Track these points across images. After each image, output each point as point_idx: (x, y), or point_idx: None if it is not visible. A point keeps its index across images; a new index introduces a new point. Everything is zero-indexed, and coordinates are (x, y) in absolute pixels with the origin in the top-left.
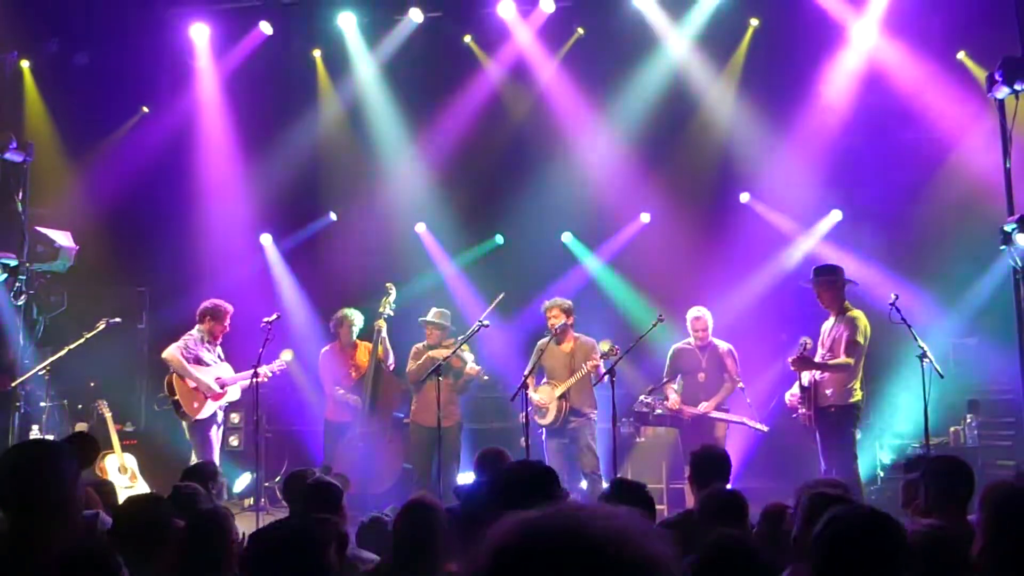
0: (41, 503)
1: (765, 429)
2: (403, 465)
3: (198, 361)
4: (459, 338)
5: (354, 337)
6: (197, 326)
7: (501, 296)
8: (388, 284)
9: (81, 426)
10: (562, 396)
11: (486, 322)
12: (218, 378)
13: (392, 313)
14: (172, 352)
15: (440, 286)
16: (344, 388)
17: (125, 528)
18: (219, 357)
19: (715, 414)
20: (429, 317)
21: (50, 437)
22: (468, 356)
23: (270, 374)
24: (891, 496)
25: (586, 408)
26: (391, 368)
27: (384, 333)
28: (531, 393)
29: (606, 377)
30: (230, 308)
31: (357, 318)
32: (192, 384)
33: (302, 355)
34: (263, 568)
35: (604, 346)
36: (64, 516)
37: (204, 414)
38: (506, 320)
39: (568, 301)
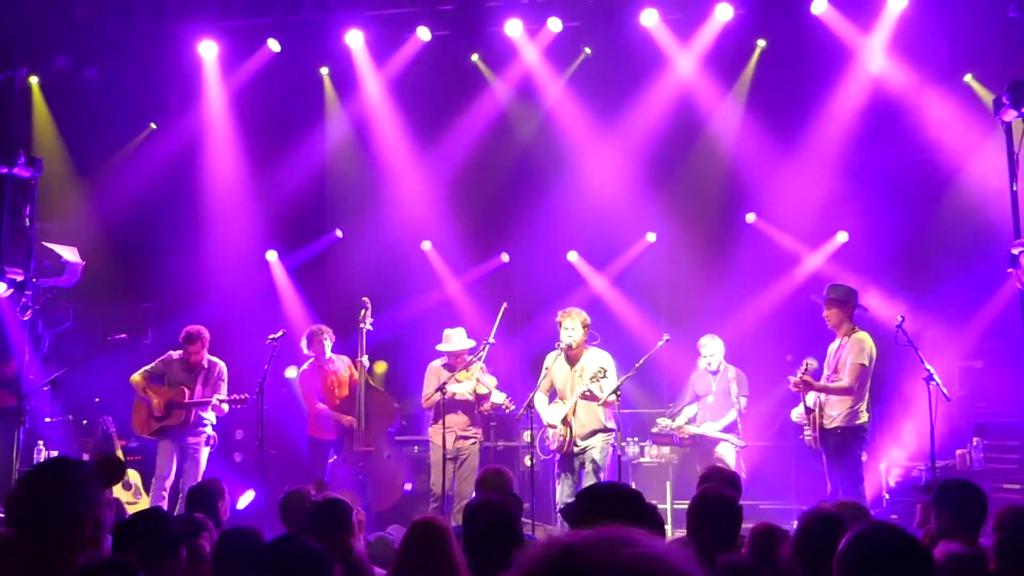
0: (55, 523)
1: (742, 444)
2: (405, 485)
3: (161, 379)
4: (472, 360)
5: (328, 352)
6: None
7: (504, 307)
8: (364, 298)
9: (85, 443)
10: (564, 419)
11: (492, 340)
12: (171, 400)
13: (371, 327)
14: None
15: (446, 304)
16: (328, 405)
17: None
18: (202, 380)
19: (711, 433)
20: (461, 345)
21: (85, 457)
22: (491, 380)
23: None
24: (897, 519)
25: (599, 427)
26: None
27: (367, 365)
28: (542, 411)
29: (612, 396)
30: (197, 335)
31: (329, 332)
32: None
33: None
34: None
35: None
36: (78, 537)
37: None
38: (511, 339)
39: (586, 315)
